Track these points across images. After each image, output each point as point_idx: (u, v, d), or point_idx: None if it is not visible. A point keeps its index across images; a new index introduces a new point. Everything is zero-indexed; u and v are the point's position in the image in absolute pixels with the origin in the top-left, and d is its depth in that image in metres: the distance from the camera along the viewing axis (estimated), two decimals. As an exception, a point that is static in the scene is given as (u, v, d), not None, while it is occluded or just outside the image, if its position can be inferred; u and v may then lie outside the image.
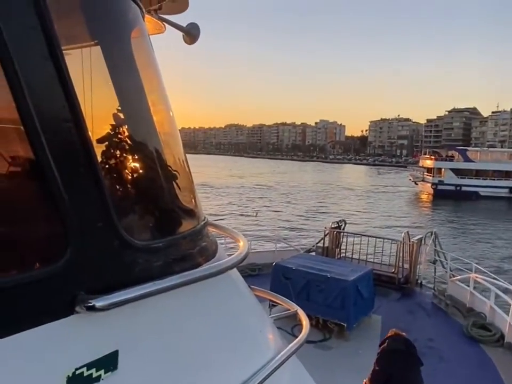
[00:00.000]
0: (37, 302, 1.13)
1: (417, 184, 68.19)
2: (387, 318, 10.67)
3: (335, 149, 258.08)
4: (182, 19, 2.77)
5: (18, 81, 1.11)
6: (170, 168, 1.81)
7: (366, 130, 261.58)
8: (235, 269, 2.01)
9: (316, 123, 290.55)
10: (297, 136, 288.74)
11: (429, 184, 63.69)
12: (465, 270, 12.88)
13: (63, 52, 1.38)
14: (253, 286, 2.71)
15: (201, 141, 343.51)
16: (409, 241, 13.26)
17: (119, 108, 1.68)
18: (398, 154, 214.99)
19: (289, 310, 2.98)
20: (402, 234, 13.70)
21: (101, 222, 1.31)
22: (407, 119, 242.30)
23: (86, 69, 1.75)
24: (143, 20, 1.85)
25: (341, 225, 15.17)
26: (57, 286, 1.18)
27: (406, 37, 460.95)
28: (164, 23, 2.57)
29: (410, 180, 70.35)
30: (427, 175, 65.64)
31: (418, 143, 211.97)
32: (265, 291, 3.15)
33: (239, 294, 2.07)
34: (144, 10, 1.85)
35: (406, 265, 13.26)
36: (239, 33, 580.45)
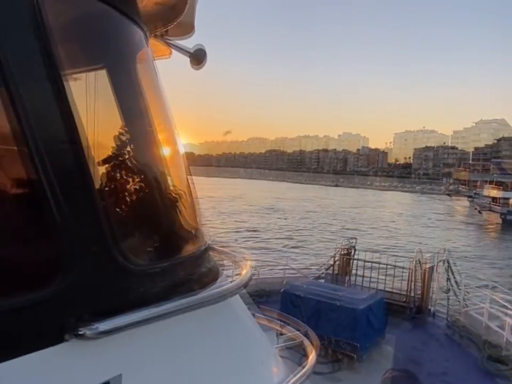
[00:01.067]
0: (23, 330, 1.08)
1: (481, 213, 67.23)
2: (399, 349, 10.33)
3: (377, 176, 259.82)
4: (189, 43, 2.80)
5: (17, 103, 1.10)
6: (171, 191, 1.78)
7: (390, 142, 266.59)
8: (237, 296, 1.93)
9: (339, 135, 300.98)
10: (338, 162, 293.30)
11: (497, 214, 62.64)
12: (480, 299, 12.52)
13: (66, 75, 1.38)
14: (258, 314, 2.62)
15: (242, 166, 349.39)
16: (421, 269, 12.98)
17: (121, 130, 1.66)
18: (444, 182, 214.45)
19: (299, 333, 2.89)
20: (414, 261, 13.43)
21: (95, 246, 1.27)
22: (433, 131, 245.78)
23: (91, 92, 1.76)
24: (147, 44, 1.85)
25: (351, 251, 14.94)
26: (46, 313, 1.14)
27: (421, 46, 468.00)
28: (170, 47, 2.59)
29: (475, 208, 69.17)
30: (494, 205, 64.99)
31: (445, 156, 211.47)
32: (273, 311, 3.06)
33: (240, 323, 1.98)
34: (148, 34, 1.86)
35: (418, 294, 12.94)
36: (262, 56, 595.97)
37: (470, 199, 61.33)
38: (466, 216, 70.37)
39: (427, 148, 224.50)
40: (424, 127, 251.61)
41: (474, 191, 61.35)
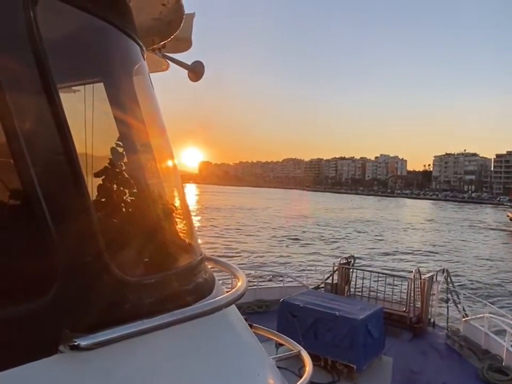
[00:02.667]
0: (16, 340, 1.09)
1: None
2: (399, 359, 10.27)
3: (397, 183, 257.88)
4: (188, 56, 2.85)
5: (10, 115, 1.12)
6: (165, 203, 1.80)
7: (429, 165, 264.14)
8: (233, 306, 1.94)
9: (376, 157, 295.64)
10: (357, 170, 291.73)
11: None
12: (480, 309, 12.47)
13: (62, 88, 1.41)
14: (255, 325, 2.62)
15: (259, 174, 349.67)
16: (420, 278, 12.95)
17: (117, 143, 1.69)
18: (466, 190, 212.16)
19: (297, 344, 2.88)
20: (413, 271, 13.40)
21: (90, 257, 1.28)
22: (474, 154, 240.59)
23: (88, 105, 1.79)
24: (144, 58, 1.89)
25: (350, 261, 14.91)
26: (40, 324, 1.15)
27: (470, 70, 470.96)
28: (168, 61, 2.64)
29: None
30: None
31: (487, 179, 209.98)
32: (268, 330, 3.05)
33: (236, 334, 1.99)
34: (144, 48, 1.90)
35: (418, 304, 12.89)
36: (295, 76, 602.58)
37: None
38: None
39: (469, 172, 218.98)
40: (465, 150, 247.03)
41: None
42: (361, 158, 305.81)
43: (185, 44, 2.53)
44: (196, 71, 2.82)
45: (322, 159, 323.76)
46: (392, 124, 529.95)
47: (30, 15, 1.20)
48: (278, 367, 2.36)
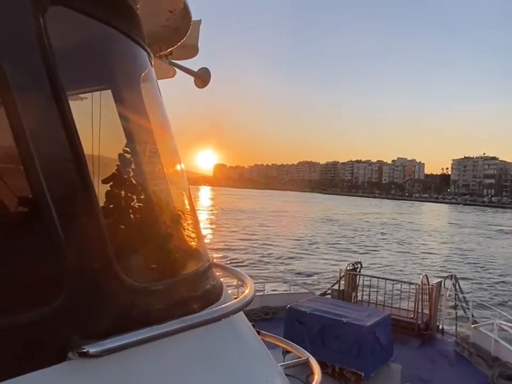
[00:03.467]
0: (25, 347, 1.09)
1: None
2: (407, 367, 10.14)
3: (414, 187, 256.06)
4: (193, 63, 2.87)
5: (20, 122, 1.13)
6: (174, 210, 1.80)
7: (447, 169, 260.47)
8: (241, 313, 1.93)
9: (393, 161, 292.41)
10: (373, 174, 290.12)
11: None
12: (489, 315, 12.32)
13: (70, 95, 1.42)
14: (263, 332, 2.61)
15: (274, 177, 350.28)
16: (428, 284, 12.83)
17: (125, 149, 1.69)
18: (485, 194, 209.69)
19: (302, 357, 2.85)
20: (421, 277, 13.29)
21: (98, 263, 1.28)
22: (494, 158, 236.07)
23: (96, 111, 1.80)
24: (151, 64, 1.90)
25: (357, 267, 14.82)
26: (49, 330, 1.14)
27: (488, 73, 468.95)
28: (175, 68, 2.65)
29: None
30: None
31: (507, 183, 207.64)
32: (276, 337, 3.03)
33: (245, 341, 1.97)
34: (152, 55, 1.91)
35: (426, 310, 12.76)
36: (309, 79, 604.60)
37: None
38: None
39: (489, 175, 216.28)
40: (484, 153, 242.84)
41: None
42: (377, 161, 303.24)
43: (192, 50, 2.54)
44: (202, 78, 2.84)
45: (338, 162, 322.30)
46: (409, 127, 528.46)
47: (40, 23, 1.21)
48: (285, 375, 2.34)
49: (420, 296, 12.68)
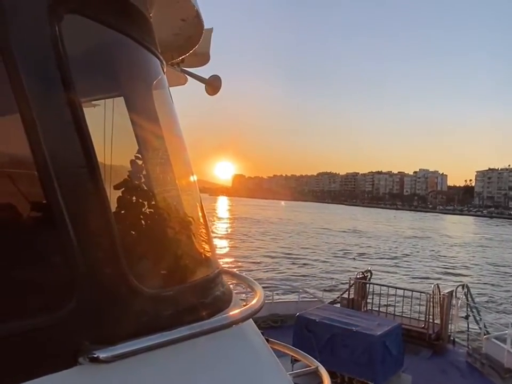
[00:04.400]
0: (35, 352, 1.09)
1: None
2: (418, 378, 9.99)
3: (437, 199, 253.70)
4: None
5: (35, 128, 1.14)
6: (184, 216, 1.80)
7: (471, 180, 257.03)
8: (250, 320, 1.92)
9: (415, 172, 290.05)
10: (394, 185, 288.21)
11: None
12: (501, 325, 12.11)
13: (84, 102, 1.44)
14: (272, 340, 2.59)
15: (293, 188, 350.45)
16: (440, 294, 12.67)
17: (137, 155, 1.71)
18: (511, 206, 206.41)
19: (311, 366, 2.83)
20: (432, 286, 13.12)
21: (110, 268, 1.29)
22: None
23: (108, 118, 1.82)
24: (164, 72, 1.92)
25: (367, 275, 14.69)
26: (60, 335, 1.15)
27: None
28: (186, 75, 2.68)
29: None
30: None
31: None
32: (285, 345, 3.00)
33: (254, 349, 1.96)
34: (164, 63, 1.93)
35: (437, 320, 12.58)
36: (331, 88, 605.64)
37: None
38: None
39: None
40: (509, 165, 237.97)
41: None
42: (399, 172, 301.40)
43: (203, 58, 2.56)
44: (213, 85, 2.86)
45: (358, 173, 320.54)
46: (430, 138, 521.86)
47: (56, 31, 1.23)
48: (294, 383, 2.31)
49: (431, 306, 12.52)
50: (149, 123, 1.84)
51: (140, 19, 1.68)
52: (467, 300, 13.45)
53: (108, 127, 1.78)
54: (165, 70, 1.94)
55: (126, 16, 1.58)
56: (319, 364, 2.84)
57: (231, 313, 1.70)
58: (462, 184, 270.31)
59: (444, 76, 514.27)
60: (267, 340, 2.22)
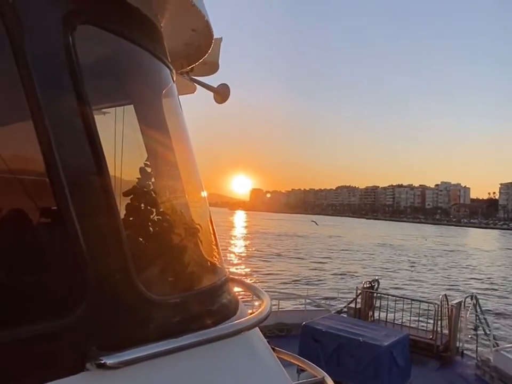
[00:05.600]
0: (43, 357, 1.10)
1: None
2: None
3: (460, 212, 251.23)
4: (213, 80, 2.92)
5: (48, 136, 1.16)
6: (192, 224, 1.81)
7: (494, 193, 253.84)
8: (256, 329, 1.92)
9: (437, 185, 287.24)
10: (416, 198, 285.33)
11: None
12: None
13: (95, 110, 1.47)
14: (278, 349, 2.57)
15: (311, 202, 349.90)
16: (448, 304, 12.51)
17: (146, 163, 1.72)
18: None
19: (317, 376, 2.80)
20: (440, 296, 12.97)
21: (119, 275, 1.30)
22: None
23: (119, 126, 1.84)
24: (173, 81, 1.94)
25: (374, 285, 14.56)
26: (67, 341, 1.16)
27: None
28: (195, 84, 2.70)
29: None
30: None
31: None
32: (291, 354, 2.98)
33: (260, 357, 1.95)
34: (174, 72, 1.95)
35: (445, 331, 12.41)
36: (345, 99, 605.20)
37: None
38: None
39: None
40: None
41: None
42: (420, 185, 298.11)
43: (212, 67, 2.59)
44: (222, 94, 2.88)
45: (378, 187, 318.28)
46: (452, 151, 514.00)
47: (69, 41, 1.26)
48: None
49: (439, 316, 12.36)
50: (159, 131, 1.86)
51: (151, 29, 1.71)
52: (475, 311, 13.27)
53: (118, 135, 1.80)
54: (174, 79, 1.96)
55: (137, 26, 1.60)
56: (325, 374, 2.81)
57: (237, 321, 1.70)
58: (485, 197, 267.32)
59: (465, 86, 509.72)
60: (273, 349, 2.22)
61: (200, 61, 2.31)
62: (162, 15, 1.81)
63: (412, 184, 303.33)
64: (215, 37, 2.11)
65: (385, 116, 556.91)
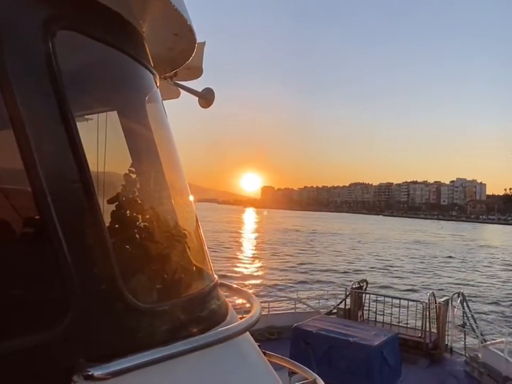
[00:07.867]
0: (29, 370, 1.08)
1: None
2: None
3: (476, 208, 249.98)
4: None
5: (28, 144, 1.14)
6: (179, 230, 1.79)
7: (511, 189, 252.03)
8: (247, 333, 1.90)
9: (452, 181, 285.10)
10: (431, 195, 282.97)
11: None
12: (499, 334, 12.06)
13: (78, 116, 1.44)
14: (269, 352, 2.56)
15: (325, 199, 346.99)
16: (435, 302, 12.64)
17: (130, 169, 1.70)
18: None
19: (309, 379, 2.80)
20: (428, 295, 13.10)
21: (105, 284, 1.27)
22: None
23: (102, 132, 1.82)
24: (157, 86, 1.93)
25: (363, 285, 14.65)
26: (54, 354, 1.13)
27: None
28: (179, 88, 2.69)
29: None
30: None
31: None
32: (282, 358, 2.98)
33: (250, 362, 1.94)
34: (157, 77, 1.94)
35: (434, 329, 12.54)
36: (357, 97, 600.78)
37: None
38: None
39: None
40: None
41: None
42: (435, 182, 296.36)
43: (196, 71, 2.58)
44: (206, 98, 2.87)
45: (393, 183, 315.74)
46: (468, 146, 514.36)
47: (49, 47, 1.24)
48: None
49: (427, 315, 12.48)
50: (143, 137, 1.84)
51: (132, 34, 1.69)
52: (463, 308, 13.43)
53: (102, 142, 1.78)
54: (158, 84, 1.94)
55: (119, 32, 1.59)
56: (317, 376, 2.81)
57: (227, 327, 1.69)
58: (501, 193, 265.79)
59: (477, 82, 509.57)
60: (264, 353, 2.20)
61: (183, 65, 2.29)
62: (143, 20, 1.80)
63: (426, 181, 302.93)
64: (198, 41, 2.10)
65: (398, 112, 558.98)
